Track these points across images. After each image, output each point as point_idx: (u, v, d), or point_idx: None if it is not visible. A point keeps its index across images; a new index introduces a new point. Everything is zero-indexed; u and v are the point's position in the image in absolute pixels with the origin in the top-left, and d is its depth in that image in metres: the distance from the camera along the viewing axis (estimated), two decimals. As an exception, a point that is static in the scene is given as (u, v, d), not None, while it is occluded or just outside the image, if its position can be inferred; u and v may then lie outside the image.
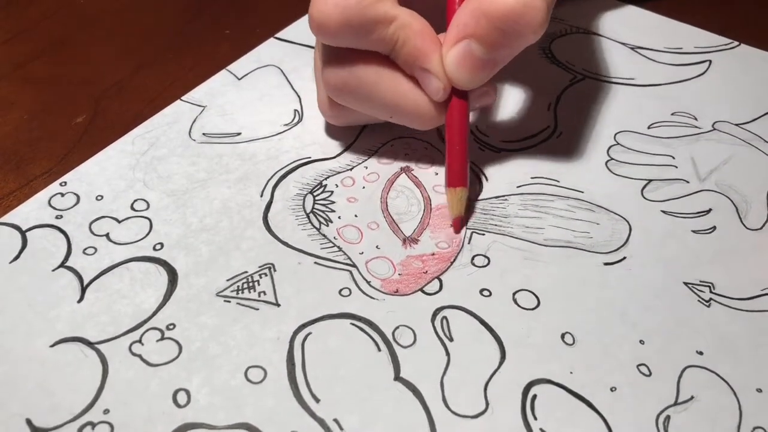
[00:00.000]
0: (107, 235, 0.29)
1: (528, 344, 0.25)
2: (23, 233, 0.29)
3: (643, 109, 0.35)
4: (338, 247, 0.29)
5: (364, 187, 0.31)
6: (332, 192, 0.31)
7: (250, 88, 0.36)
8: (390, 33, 0.27)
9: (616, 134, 0.33)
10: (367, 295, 0.27)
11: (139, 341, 0.25)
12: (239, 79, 0.37)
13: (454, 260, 0.28)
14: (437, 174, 0.32)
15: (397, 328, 0.26)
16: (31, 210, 0.30)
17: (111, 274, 0.28)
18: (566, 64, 0.38)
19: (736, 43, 0.39)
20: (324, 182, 0.31)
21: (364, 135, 0.33)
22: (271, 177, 0.31)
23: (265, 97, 0.36)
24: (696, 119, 0.34)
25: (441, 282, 0.27)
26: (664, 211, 0.30)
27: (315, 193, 0.31)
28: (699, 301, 0.27)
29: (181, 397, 0.24)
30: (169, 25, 0.41)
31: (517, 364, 0.25)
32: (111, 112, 0.35)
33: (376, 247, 0.29)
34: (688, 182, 0.31)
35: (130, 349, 0.25)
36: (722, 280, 0.27)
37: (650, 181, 0.31)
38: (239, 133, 0.34)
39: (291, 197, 0.31)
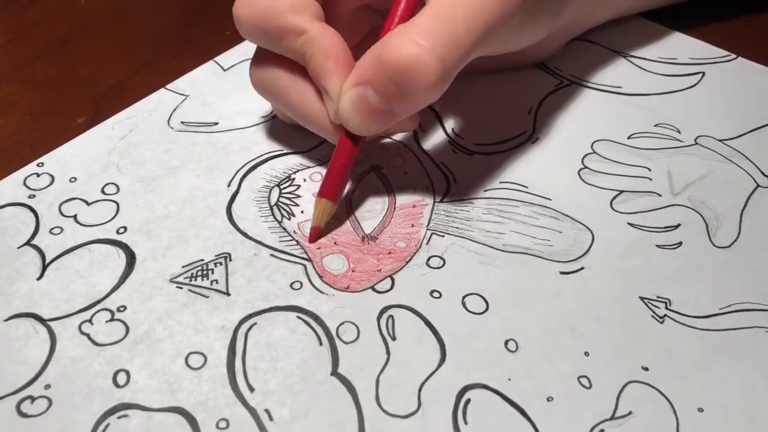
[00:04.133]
0: (75, 216, 0.30)
1: (470, 348, 0.25)
2: (-6, 210, 0.30)
3: (625, 118, 0.34)
4: (296, 241, 0.29)
5: (331, 183, 0.31)
6: (299, 186, 0.31)
7: (233, 80, 0.37)
8: (299, 45, 0.27)
9: (593, 143, 0.33)
10: (318, 289, 0.27)
11: (89, 321, 0.26)
12: (225, 71, 0.37)
13: (410, 260, 0.28)
14: (406, 174, 0.32)
15: (342, 324, 0.26)
16: (5, 188, 0.31)
17: (73, 255, 0.28)
18: (554, 70, 0.37)
19: (733, 56, 0.38)
20: (293, 176, 0.31)
21: (338, 131, 0.34)
22: (241, 168, 0.32)
23: (247, 90, 0.36)
24: (679, 132, 0.33)
25: (393, 281, 0.27)
26: (630, 224, 0.29)
27: (282, 186, 0.31)
28: (653, 316, 0.26)
29: (121, 378, 0.24)
30: (169, 26, 0.41)
31: (456, 368, 0.25)
32: (111, 113, 0.35)
33: (335, 243, 0.29)
34: (660, 196, 0.31)
35: (79, 327, 0.26)
36: (680, 297, 0.27)
37: (621, 192, 0.31)
38: (216, 123, 0.34)
39: (258, 189, 0.31)
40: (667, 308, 0.26)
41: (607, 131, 0.33)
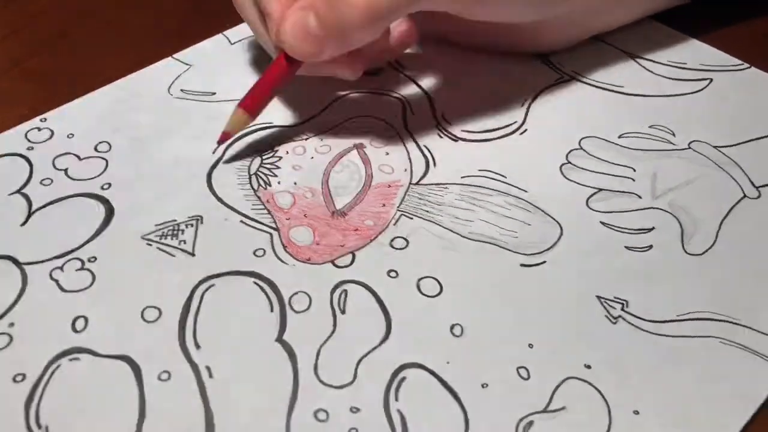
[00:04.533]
0: (66, 170, 0.31)
1: (415, 329, 0.25)
2: (-6, 158, 0.32)
3: (620, 117, 0.34)
4: (268, 210, 0.29)
5: (312, 157, 0.32)
6: (281, 158, 0.32)
7: (238, 53, 0.37)
8: None
9: (581, 139, 0.32)
10: (280, 258, 0.28)
11: (61, 268, 0.27)
12: (231, 44, 0.38)
13: (375, 239, 0.28)
14: (387, 154, 0.32)
15: (296, 293, 0.26)
16: (8, 139, 0.32)
17: (57, 205, 0.30)
18: (556, 65, 0.37)
19: (747, 65, 0.36)
20: (277, 147, 0.32)
21: (330, 110, 0.34)
22: (228, 137, 0.33)
23: (249, 63, 0.37)
24: (674, 135, 0.33)
25: (354, 257, 0.28)
26: (603, 222, 0.29)
27: (264, 156, 0.32)
28: (606, 316, 0.26)
29: (80, 323, 0.26)
30: (167, 21, 0.41)
31: (397, 346, 0.25)
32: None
33: (304, 215, 0.29)
34: (640, 197, 0.30)
35: (50, 273, 0.27)
36: (639, 300, 0.26)
37: (600, 190, 0.30)
38: (214, 93, 0.35)
39: (241, 157, 0.32)
40: (623, 309, 0.26)
41: (598, 128, 0.33)
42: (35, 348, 0.25)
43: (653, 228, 0.29)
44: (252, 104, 0.30)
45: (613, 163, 0.31)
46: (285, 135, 0.33)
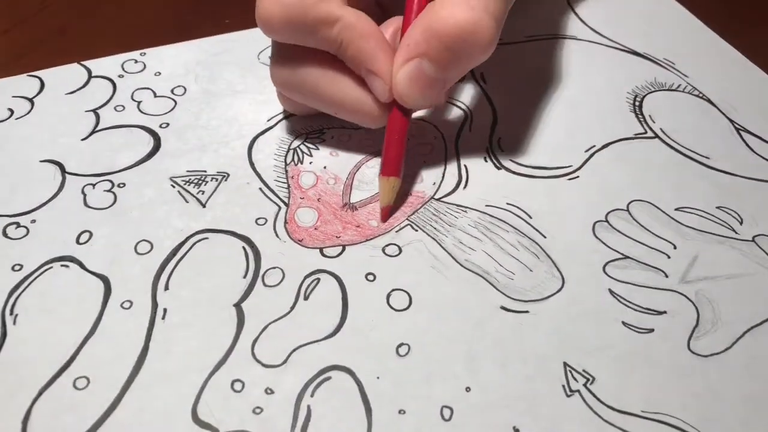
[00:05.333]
0: (139, 103, 0.34)
1: (363, 336, 0.25)
2: (90, 77, 0.35)
3: (688, 189, 0.30)
4: (288, 185, 0.30)
5: (353, 148, 0.32)
6: (324, 140, 0.32)
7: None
8: (334, 34, 0.27)
9: (632, 201, 0.30)
10: (275, 232, 0.28)
11: (93, 185, 0.30)
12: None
13: (370, 240, 0.28)
14: (425, 162, 0.31)
15: (273, 268, 0.27)
16: (107, 64, 0.36)
17: (117, 131, 0.33)
18: (647, 117, 0.34)
19: None
20: (325, 130, 0.33)
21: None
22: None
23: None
24: (741, 223, 0.29)
25: (343, 250, 0.28)
26: (611, 291, 0.27)
27: (309, 135, 0.32)
28: (564, 386, 0.24)
29: (84, 237, 0.28)
30: (168, 15, 0.41)
31: (337, 346, 0.25)
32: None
33: (318, 199, 0.30)
34: (666, 276, 0.27)
35: (83, 188, 0.30)
36: (608, 382, 0.24)
37: (625, 257, 0.28)
38: (296, 66, 0.36)
39: (289, 131, 0.33)
40: (585, 385, 0.24)
41: (656, 195, 0.30)
42: (41, 246, 0.28)
43: (665, 312, 0.26)
44: (394, 169, 0.28)
45: (654, 234, 0.28)
46: (338, 121, 0.33)
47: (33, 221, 0.29)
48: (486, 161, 0.32)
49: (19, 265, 0.27)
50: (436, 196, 0.30)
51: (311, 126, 0.33)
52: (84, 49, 0.38)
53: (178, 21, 0.40)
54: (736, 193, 0.30)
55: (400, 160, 0.29)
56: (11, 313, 0.25)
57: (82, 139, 0.32)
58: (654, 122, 0.34)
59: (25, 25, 0.40)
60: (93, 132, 0.32)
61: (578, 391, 0.24)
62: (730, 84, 0.36)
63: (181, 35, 0.38)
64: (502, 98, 0.35)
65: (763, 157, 0.32)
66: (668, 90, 0.35)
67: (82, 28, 0.40)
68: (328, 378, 0.24)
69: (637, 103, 0.35)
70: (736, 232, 0.29)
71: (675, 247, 0.28)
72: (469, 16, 0.25)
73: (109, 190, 0.30)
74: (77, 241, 0.28)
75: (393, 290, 0.26)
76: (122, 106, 0.34)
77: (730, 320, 0.26)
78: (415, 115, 0.33)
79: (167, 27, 0.40)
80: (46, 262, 0.27)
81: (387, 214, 0.29)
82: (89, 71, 0.36)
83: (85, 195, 0.30)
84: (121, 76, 0.35)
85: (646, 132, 0.33)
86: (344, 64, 0.28)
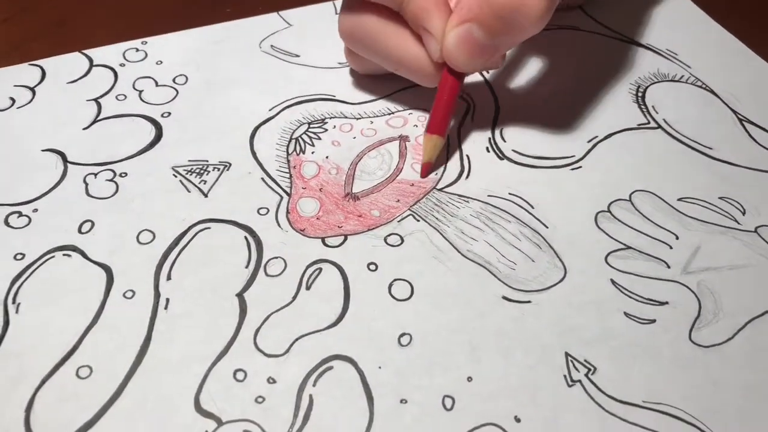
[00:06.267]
0: (141, 92, 0.34)
1: (365, 326, 0.25)
2: (91, 66, 0.35)
3: (690, 180, 0.30)
4: (290, 174, 0.30)
5: (355, 137, 0.32)
6: (326, 130, 0.32)
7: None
8: None
9: (634, 191, 0.30)
10: (278, 221, 0.28)
11: (95, 175, 0.30)
12: (336, 14, 0.39)
13: (372, 229, 0.28)
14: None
15: (275, 257, 0.27)
16: (108, 53, 0.36)
17: (119, 120, 0.33)
18: (650, 108, 0.34)
19: None
20: (327, 120, 0.33)
21: (392, 97, 0.34)
22: (291, 99, 0.34)
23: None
24: (743, 213, 0.29)
25: (345, 240, 0.28)
26: (613, 281, 0.27)
27: (312, 125, 0.32)
28: (565, 375, 0.24)
29: (86, 226, 0.28)
30: (169, 4, 0.41)
31: (339, 336, 0.25)
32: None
33: (320, 189, 0.30)
34: (668, 267, 0.27)
35: (84, 177, 0.30)
36: (610, 372, 0.24)
37: (628, 248, 0.28)
38: (298, 56, 0.36)
39: (291, 120, 0.33)
40: (587, 375, 0.24)
41: (659, 185, 0.30)
42: (43, 236, 0.28)
43: (666, 303, 0.26)
44: (439, 127, 0.30)
45: (656, 224, 0.28)
46: (339, 110, 0.33)
47: (35, 210, 0.29)
48: (488, 151, 0.31)
49: (21, 254, 0.27)
50: (438, 187, 0.30)
51: (313, 115, 0.33)
52: (84, 38, 0.37)
53: (179, 11, 0.40)
54: (738, 184, 0.30)
55: (446, 120, 0.29)
56: (14, 302, 0.26)
57: (84, 129, 0.32)
58: (657, 113, 0.33)
59: (25, 14, 0.40)
60: (95, 121, 0.32)
61: (579, 381, 0.24)
62: (733, 75, 0.36)
63: (182, 25, 0.38)
64: (504, 88, 0.35)
65: (766, 148, 0.32)
66: (671, 81, 0.35)
67: (83, 17, 0.40)
68: (330, 368, 0.24)
69: (640, 94, 0.34)
70: (739, 223, 0.29)
71: (677, 238, 0.28)
72: None
73: (111, 180, 0.30)
74: (79, 231, 0.28)
75: (395, 280, 0.26)
76: (124, 95, 0.34)
77: (732, 311, 0.26)
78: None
79: (168, 17, 0.39)
80: (49, 251, 0.27)
81: (427, 170, 0.30)
82: (91, 60, 0.35)
83: (87, 184, 0.30)
84: (122, 65, 0.35)
85: (649, 122, 0.33)
86: (404, 21, 0.29)
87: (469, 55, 0.28)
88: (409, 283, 0.26)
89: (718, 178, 0.30)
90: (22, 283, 0.26)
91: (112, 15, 0.40)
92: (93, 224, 0.28)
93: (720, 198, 0.30)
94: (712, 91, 0.35)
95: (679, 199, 0.29)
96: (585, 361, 0.24)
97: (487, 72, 0.35)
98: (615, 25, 0.39)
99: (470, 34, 0.27)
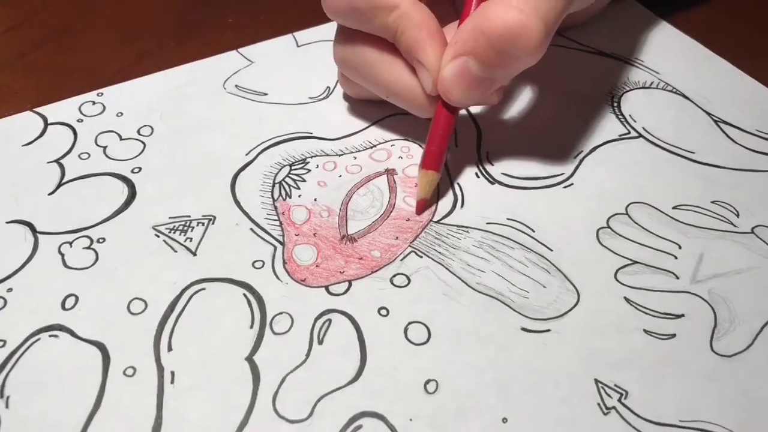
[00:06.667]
0: (105, 148, 0.32)
1: (388, 376, 0.24)
2: (46, 125, 0.33)
3: (681, 186, 0.30)
4: (280, 221, 0.29)
5: (340, 176, 0.31)
6: (309, 171, 0.31)
7: (302, 57, 0.37)
8: (390, 21, 0.28)
9: (630, 204, 0.30)
10: (276, 274, 0.27)
11: (70, 243, 0.28)
12: (298, 47, 0.38)
13: (376, 271, 0.27)
14: (417, 186, 0.30)
15: (280, 314, 0.26)
16: (63, 108, 0.34)
17: (87, 181, 0.30)
18: (627, 117, 0.34)
19: None
20: (308, 159, 0.31)
21: (371, 129, 0.33)
22: (266, 141, 0.32)
23: (310, 69, 0.36)
24: (737, 215, 0.29)
25: (350, 286, 0.27)
26: (627, 299, 0.26)
27: (294, 167, 0.31)
28: (599, 404, 0.23)
29: (70, 302, 0.26)
30: (171, 13, 0.41)
31: (364, 391, 0.24)
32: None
33: (314, 234, 0.28)
34: (677, 278, 0.27)
35: (59, 247, 0.28)
36: (642, 394, 0.24)
37: (634, 263, 0.27)
38: (266, 94, 0.35)
39: (271, 164, 0.31)
40: (620, 401, 0.23)
41: (652, 195, 0.30)
42: (23, 317, 0.25)
43: (682, 315, 0.26)
44: (435, 163, 0.29)
45: (657, 236, 0.28)
46: (319, 147, 0.32)
47: (9, 290, 0.26)
48: (478, 177, 0.31)
49: (1, 341, 0.25)
50: (435, 219, 0.29)
51: (293, 156, 0.32)
52: (88, 45, 0.38)
53: (181, 19, 0.40)
54: (727, 186, 0.31)
55: (441, 154, 0.29)
56: (2, 396, 0.23)
57: (50, 194, 0.30)
58: (635, 121, 0.34)
59: (28, 23, 0.40)
60: (60, 185, 0.30)
61: (614, 407, 0.23)
62: (700, 76, 0.36)
63: (184, 33, 0.38)
64: (481, 109, 0.34)
65: (745, 147, 0.32)
66: (643, 88, 0.35)
67: (85, 26, 0.40)
68: (359, 427, 0.23)
69: (615, 104, 0.34)
70: (735, 225, 0.29)
71: (680, 247, 0.28)
72: (517, 18, 0.25)
73: (88, 247, 0.28)
74: (63, 307, 0.26)
75: (409, 323, 0.25)
76: (87, 153, 0.32)
77: (747, 317, 0.26)
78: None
79: (169, 25, 0.39)
80: (32, 334, 0.25)
81: (422, 207, 0.29)
82: (45, 118, 0.33)
83: (62, 255, 0.27)
84: (80, 121, 0.33)
85: (629, 132, 0.33)
86: (398, 51, 0.29)
87: (466, 89, 0.27)
88: (425, 326, 0.25)
89: (707, 181, 0.31)
90: (8, 374, 0.24)
91: (114, 22, 0.40)
92: (77, 298, 0.26)
93: (713, 202, 0.30)
94: (683, 95, 0.35)
95: (674, 208, 0.30)
96: (615, 386, 0.24)
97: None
98: (578, 38, 0.39)
99: (466, 67, 0.27)
